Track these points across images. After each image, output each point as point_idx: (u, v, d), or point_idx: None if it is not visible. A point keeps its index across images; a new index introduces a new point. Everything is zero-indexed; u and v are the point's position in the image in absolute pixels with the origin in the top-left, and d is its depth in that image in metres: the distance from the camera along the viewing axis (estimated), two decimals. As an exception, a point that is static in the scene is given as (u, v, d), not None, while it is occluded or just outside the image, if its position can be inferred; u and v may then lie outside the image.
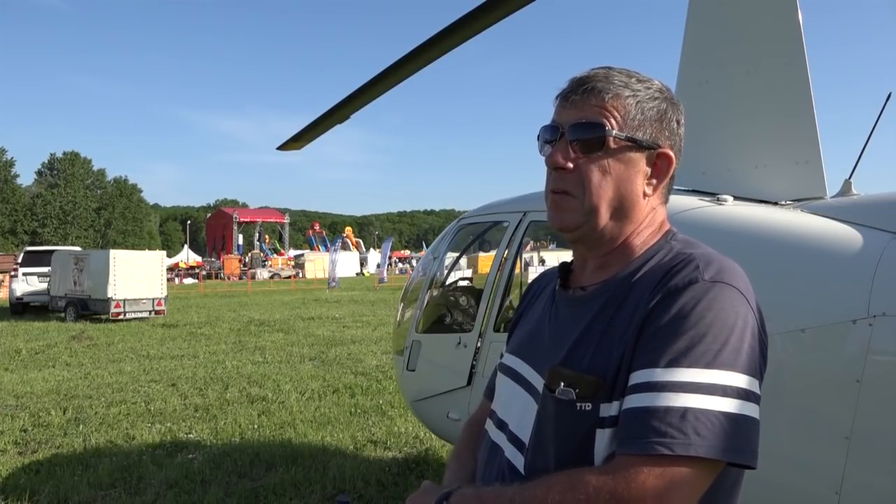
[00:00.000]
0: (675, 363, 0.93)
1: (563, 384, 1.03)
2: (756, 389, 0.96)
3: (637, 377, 0.96)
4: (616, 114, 1.09)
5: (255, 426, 6.60)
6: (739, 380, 0.93)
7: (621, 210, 1.11)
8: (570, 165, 1.09)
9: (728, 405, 0.91)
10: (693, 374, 0.92)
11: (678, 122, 1.15)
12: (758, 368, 0.98)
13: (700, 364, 0.93)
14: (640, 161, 1.11)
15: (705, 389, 0.91)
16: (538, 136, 1.17)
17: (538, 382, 1.11)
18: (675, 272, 1.02)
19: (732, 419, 0.91)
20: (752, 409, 0.94)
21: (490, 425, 1.25)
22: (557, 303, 1.20)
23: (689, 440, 0.89)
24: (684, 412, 0.90)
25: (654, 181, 1.13)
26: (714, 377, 0.92)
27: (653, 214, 1.15)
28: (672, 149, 1.13)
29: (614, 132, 1.08)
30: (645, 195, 1.12)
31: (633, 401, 0.95)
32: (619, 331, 1.02)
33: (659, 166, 1.13)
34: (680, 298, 0.98)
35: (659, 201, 1.16)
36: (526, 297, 1.38)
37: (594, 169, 1.08)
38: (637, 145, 1.10)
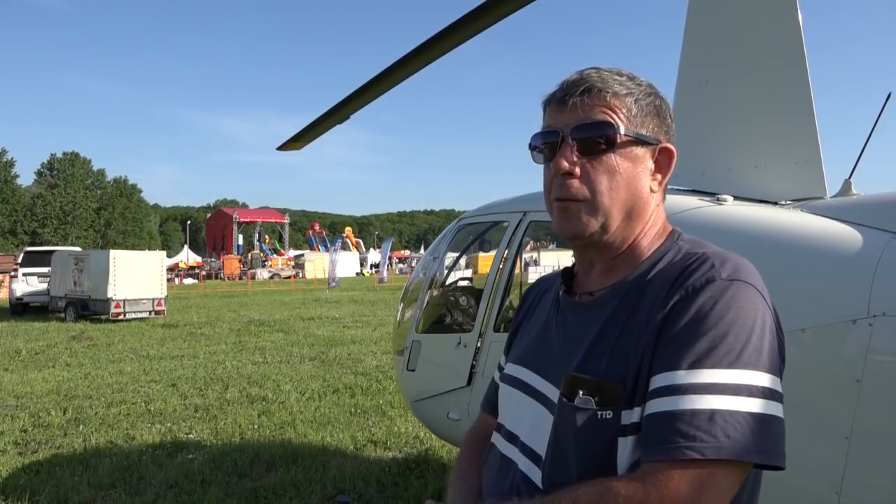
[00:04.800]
0: (697, 364, 0.91)
1: (581, 392, 0.99)
2: (779, 388, 0.94)
3: (658, 380, 0.93)
4: (621, 111, 1.06)
5: (255, 426, 6.60)
6: (763, 379, 0.91)
7: (633, 210, 1.08)
8: (578, 171, 1.05)
9: (754, 405, 0.89)
10: (717, 374, 0.90)
11: (671, 117, 1.13)
12: (778, 366, 0.96)
13: (723, 364, 0.90)
14: (645, 157, 1.09)
15: (731, 390, 0.89)
16: (530, 146, 1.13)
17: (551, 392, 1.07)
18: (691, 271, 0.99)
19: (759, 419, 0.89)
20: (776, 409, 0.92)
21: (498, 438, 1.20)
22: (563, 309, 1.16)
23: (719, 443, 0.86)
24: (712, 414, 0.88)
25: (659, 176, 1.11)
26: (738, 377, 0.90)
27: (657, 213, 1.13)
28: (671, 143, 1.12)
29: (622, 129, 1.05)
30: (652, 191, 1.10)
31: (657, 405, 0.92)
32: (636, 334, 0.99)
33: (661, 161, 1.11)
34: (698, 298, 0.95)
35: (661, 199, 1.14)
36: (524, 305, 1.34)
37: (603, 170, 1.05)
38: (642, 141, 1.07)
